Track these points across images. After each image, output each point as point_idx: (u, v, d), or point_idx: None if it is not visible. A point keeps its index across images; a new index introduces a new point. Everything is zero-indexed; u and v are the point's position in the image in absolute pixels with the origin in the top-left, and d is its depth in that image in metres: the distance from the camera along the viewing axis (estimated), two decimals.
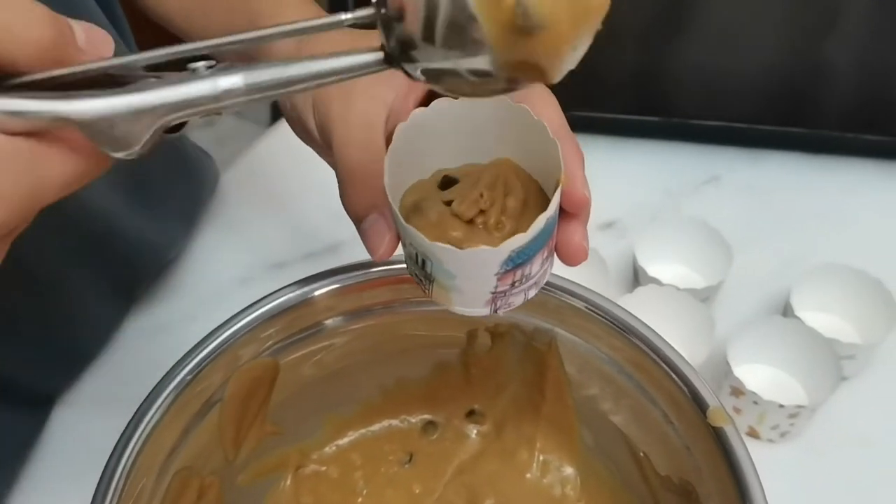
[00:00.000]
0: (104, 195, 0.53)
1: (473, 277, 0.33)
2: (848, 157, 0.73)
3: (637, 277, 0.62)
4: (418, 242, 0.32)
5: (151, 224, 0.59)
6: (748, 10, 0.70)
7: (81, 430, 0.55)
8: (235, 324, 0.41)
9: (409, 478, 0.50)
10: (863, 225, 0.69)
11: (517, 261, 0.32)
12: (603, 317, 0.43)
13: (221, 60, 0.25)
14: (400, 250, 0.35)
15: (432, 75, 0.24)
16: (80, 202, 0.51)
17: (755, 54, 0.72)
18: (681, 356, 0.41)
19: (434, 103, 0.34)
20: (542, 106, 0.35)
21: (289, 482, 0.48)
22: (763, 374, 0.58)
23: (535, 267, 0.33)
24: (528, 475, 0.49)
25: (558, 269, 0.36)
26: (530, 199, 0.35)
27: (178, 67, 0.25)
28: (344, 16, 0.24)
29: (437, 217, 0.34)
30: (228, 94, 0.24)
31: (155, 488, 0.39)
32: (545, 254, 0.34)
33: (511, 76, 0.23)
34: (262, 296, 0.43)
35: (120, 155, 0.24)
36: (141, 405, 0.39)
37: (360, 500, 0.49)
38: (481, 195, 0.34)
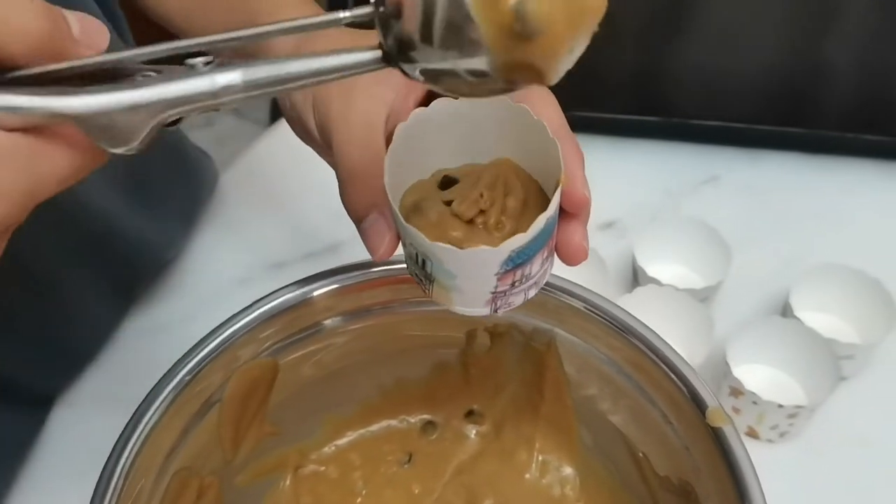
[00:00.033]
0: (103, 195, 0.53)
1: (474, 277, 0.33)
2: (847, 157, 0.73)
3: (636, 277, 0.62)
4: (418, 242, 0.32)
5: (151, 224, 0.59)
6: (748, 10, 0.70)
7: (80, 430, 0.55)
8: (234, 324, 0.41)
9: (408, 478, 0.50)
10: (862, 225, 0.69)
11: (517, 261, 0.32)
12: (602, 317, 0.43)
13: (219, 58, 0.25)
14: (400, 250, 0.35)
15: (430, 75, 0.24)
16: (80, 202, 0.51)
17: (755, 54, 0.72)
18: (680, 356, 0.41)
19: (434, 103, 0.34)
20: (541, 106, 0.35)
21: (288, 482, 0.48)
22: (762, 375, 0.58)
23: (535, 267, 0.33)
24: (527, 475, 0.49)
25: (557, 269, 0.36)
26: (530, 199, 0.35)
27: (176, 63, 0.25)
28: (342, 14, 0.24)
29: (437, 217, 0.34)
30: (226, 90, 0.24)
31: (154, 488, 0.39)
32: (545, 254, 0.34)
33: (509, 77, 0.23)
34: (261, 296, 0.43)
35: (117, 150, 0.24)
36: (140, 405, 0.39)
37: (359, 500, 0.49)
38: (481, 195, 0.34)
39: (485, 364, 0.48)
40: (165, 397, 0.39)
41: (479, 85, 0.23)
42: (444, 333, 0.47)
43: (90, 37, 0.24)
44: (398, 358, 0.48)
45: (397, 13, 0.23)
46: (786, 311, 0.59)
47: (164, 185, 0.61)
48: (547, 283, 0.36)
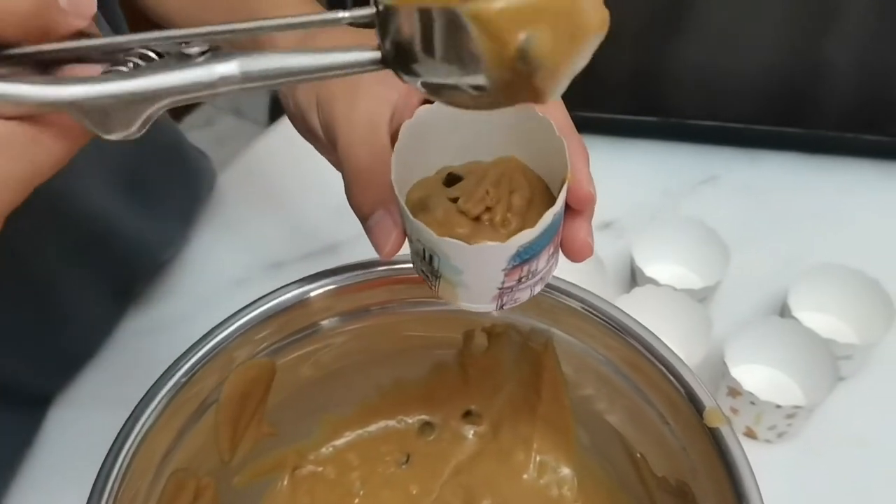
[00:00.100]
0: (102, 195, 0.53)
1: (481, 273, 0.33)
2: (846, 157, 0.73)
3: (634, 278, 0.62)
4: (426, 238, 0.32)
5: (149, 224, 0.59)
6: (747, 11, 0.70)
7: (78, 430, 0.55)
8: (231, 325, 0.41)
9: (406, 478, 0.50)
10: (860, 225, 0.69)
11: (524, 256, 0.32)
12: (599, 317, 0.43)
13: (217, 49, 0.25)
14: (405, 248, 0.36)
15: (432, 88, 0.24)
16: (78, 202, 0.51)
17: (754, 54, 0.72)
18: (677, 357, 0.41)
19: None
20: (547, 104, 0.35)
21: (285, 483, 0.48)
22: (760, 375, 0.58)
23: (541, 263, 0.34)
24: (525, 476, 0.49)
25: (555, 269, 0.36)
26: (535, 196, 0.35)
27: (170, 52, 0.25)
28: (342, 14, 0.24)
29: (443, 214, 0.34)
30: (224, 80, 0.24)
31: (150, 489, 0.39)
32: (551, 250, 0.34)
33: (507, 96, 0.23)
34: (259, 296, 0.43)
35: (113, 137, 0.24)
36: (136, 406, 0.39)
37: (356, 500, 0.49)
38: (487, 192, 0.34)
39: (482, 364, 0.48)
40: (162, 398, 0.39)
41: (480, 98, 0.23)
42: (441, 334, 0.47)
43: (77, 6, 0.24)
44: (396, 358, 0.48)
45: (399, 34, 0.23)
46: (784, 311, 0.59)
47: (162, 186, 0.61)
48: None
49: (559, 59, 0.23)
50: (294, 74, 0.25)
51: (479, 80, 0.23)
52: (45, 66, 0.25)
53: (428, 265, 0.33)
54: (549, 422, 0.48)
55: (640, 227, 0.65)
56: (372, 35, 0.24)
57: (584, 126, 0.36)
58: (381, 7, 0.23)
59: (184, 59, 0.24)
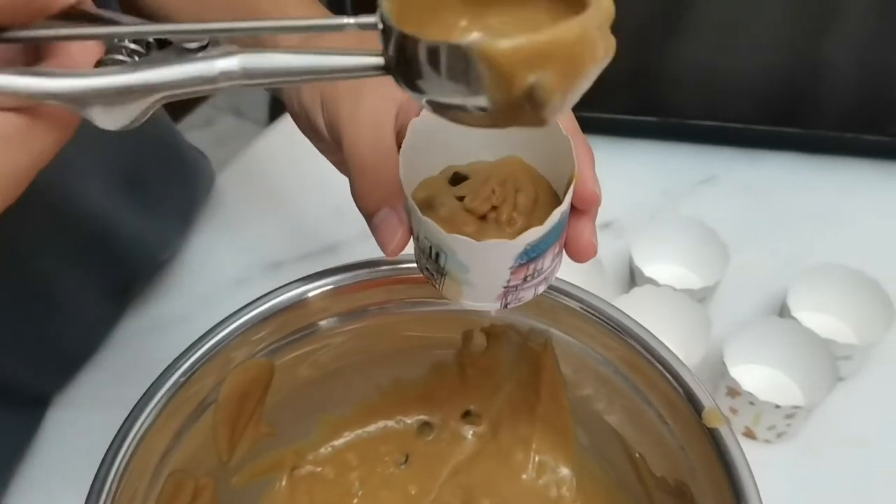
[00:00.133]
0: (100, 196, 0.53)
1: (488, 270, 0.33)
2: (845, 157, 0.73)
3: (633, 278, 0.62)
4: (434, 235, 0.32)
5: (148, 224, 0.59)
6: (747, 11, 0.70)
7: (77, 430, 0.55)
8: (230, 325, 0.41)
9: (405, 479, 0.50)
10: (860, 225, 0.69)
11: (531, 254, 0.32)
12: (598, 317, 0.43)
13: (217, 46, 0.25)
14: (407, 247, 0.36)
15: (437, 106, 0.24)
16: (77, 203, 0.51)
17: (753, 54, 0.72)
18: (676, 357, 0.41)
19: None
20: None
21: (284, 483, 0.48)
22: (759, 375, 0.57)
23: (546, 262, 0.34)
24: (524, 476, 0.49)
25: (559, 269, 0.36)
26: (540, 196, 0.35)
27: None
28: (347, 20, 0.24)
29: (449, 212, 0.34)
30: (225, 76, 0.24)
31: (149, 490, 0.39)
32: (556, 249, 0.34)
33: (510, 122, 0.24)
34: (258, 296, 0.43)
35: (110, 128, 0.24)
36: (134, 407, 0.39)
37: (355, 500, 0.49)
38: (493, 191, 0.34)
39: (481, 364, 0.48)
40: (161, 398, 0.39)
41: (483, 118, 0.24)
42: (440, 334, 0.47)
43: None
44: (395, 358, 0.48)
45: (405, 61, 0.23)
46: (783, 311, 0.59)
47: (160, 186, 0.61)
48: None
49: (565, 94, 0.23)
50: (295, 74, 0.25)
51: (483, 102, 0.23)
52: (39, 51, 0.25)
53: (434, 263, 0.34)
54: (548, 422, 0.48)
55: (639, 227, 0.65)
56: (376, 38, 0.24)
57: (584, 126, 0.36)
58: (388, 31, 0.23)
59: (184, 53, 0.24)
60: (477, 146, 0.36)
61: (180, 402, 0.40)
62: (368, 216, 0.36)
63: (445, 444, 0.50)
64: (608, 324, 0.42)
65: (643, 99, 0.74)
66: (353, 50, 0.24)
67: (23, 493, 0.53)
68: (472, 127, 0.24)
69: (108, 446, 0.38)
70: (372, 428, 0.51)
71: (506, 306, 0.35)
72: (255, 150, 0.74)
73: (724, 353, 0.54)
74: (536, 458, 0.49)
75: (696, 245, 0.62)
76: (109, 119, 0.24)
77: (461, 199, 0.35)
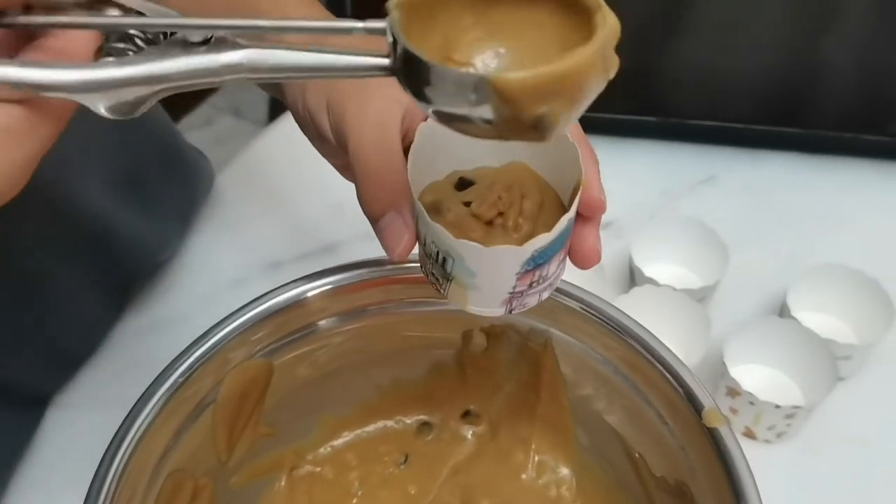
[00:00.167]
0: (100, 196, 0.53)
1: (494, 276, 0.33)
2: (845, 157, 0.73)
3: (633, 277, 0.62)
4: (441, 240, 0.32)
5: (147, 224, 0.59)
6: (747, 11, 0.70)
7: (76, 430, 0.55)
8: (229, 325, 0.41)
9: (405, 479, 0.49)
10: (860, 225, 0.69)
11: (538, 261, 0.33)
12: (598, 317, 0.43)
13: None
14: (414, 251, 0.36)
15: (443, 117, 0.24)
16: (76, 203, 0.51)
17: (753, 54, 0.72)
18: (676, 357, 0.41)
19: None
20: None
21: (283, 483, 0.48)
22: (759, 375, 0.57)
23: (552, 268, 0.34)
24: (524, 476, 0.49)
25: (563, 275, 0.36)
26: (545, 201, 0.35)
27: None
28: (356, 24, 0.24)
29: (455, 217, 0.35)
30: (229, 69, 0.24)
31: (148, 490, 0.39)
32: (562, 255, 0.34)
33: (514, 137, 0.24)
34: (256, 296, 0.43)
35: (112, 117, 0.25)
36: (133, 407, 0.39)
37: (354, 500, 0.49)
38: (500, 197, 0.35)
39: (481, 364, 0.48)
40: (160, 398, 0.39)
41: (489, 131, 0.24)
42: (440, 334, 0.47)
43: None
44: (394, 358, 0.48)
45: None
46: (783, 311, 0.59)
47: (160, 186, 0.61)
48: None
49: (571, 117, 0.24)
50: (299, 71, 0.25)
51: (489, 115, 0.23)
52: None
53: (440, 268, 0.34)
54: (547, 422, 0.48)
55: (639, 227, 0.65)
56: (382, 39, 0.24)
57: (585, 126, 0.36)
58: (397, 44, 0.23)
59: (188, 47, 0.24)
60: (483, 151, 0.36)
61: (179, 401, 0.40)
62: (374, 220, 0.36)
63: (445, 444, 0.50)
64: (608, 324, 0.42)
65: (643, 99, 0.74)
66: (358, 49, 0.24)
67: (22, 493, 0.52)
68: (477, 138, 0.25)
69: (107, 446, 0.38)
70: (371, 428, 0.50)
71: (510, 312, 0.35)
72: (255, 150, 0.74)
73: (724, 353, 0.54)
74: (536, 458, 0.49)
75: (695, 245, 0.62)
76: (112, 109, 0.24)
77: (467, 204, 0.35)
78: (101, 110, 0.24)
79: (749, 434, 0.55)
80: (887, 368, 0.59)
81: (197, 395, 0.41)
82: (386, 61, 0.24)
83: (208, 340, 0.41)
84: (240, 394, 0.43)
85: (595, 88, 0.24)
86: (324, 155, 0.41)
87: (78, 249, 0.53)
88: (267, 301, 0.42)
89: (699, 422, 0.39)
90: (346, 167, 0.38)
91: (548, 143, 0.33)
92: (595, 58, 0.23)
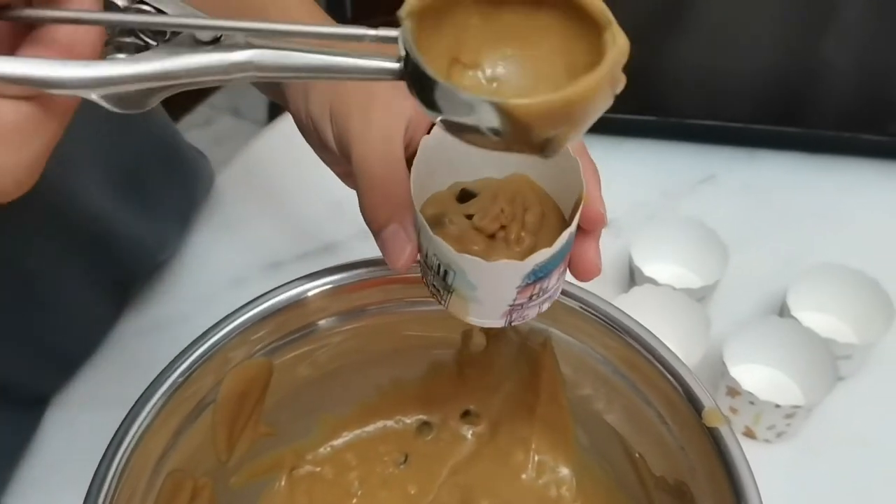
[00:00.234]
0: (100, 196, 0.53)
1: (495, 289, 0.33)
2: (845, 156, 0.73)
3: (633, 277, 0.62)
4: (443, 253, 0.32)
5: (146, 224, 0.59)
6: (746, 10, 0.70)
7: (76, 430, 0.55)
8: (229, 324, 0.41)
9: (404, 478, 0.49)
10: (860, 225, 0.69)
11: (539, 274, 0.33)
12: (598, 317, 0.43)
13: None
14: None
15: (451, 127, 0.24)
16: (76, 203, 0.51)
17: (753, 54, 0.72)
18: (675, 356, 0.41)
19: None
20: None
21: (283, 483, 0.48)
22: (759, 375, 0.57)
23: (552, 281, 0.34)
24: (524, 476, 0.49)
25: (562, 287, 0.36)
26: (547, 214, 0.36)
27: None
28: (368, 31, 0.24)
29: (458, 230, 0.35)
30: (237, 67, 0.24)
31: (147, 490, 0.39)
32: (562, 269, 0.35)
33: (521, 150, 0.24)
34: (256, 296, 0.43)
35: (118, 111, 0.25)
36: (132, 407, 0.39)
37: (354, 500, 0.49)
38: (502, 210, 0.35)
39: (481, 364, 0.48)
40: (159, 398, 0.39)
41: (498, 143, 0.24)
42: (440, 333, 0.47)
43: None
44: (394, 358, 0.48)
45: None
46: (783, 310, 0.59)
47: (160, 186, 0.61)
48: None
49: (578, 138, 0.24)
50: (307, 71, 0.25)
51: (498, 129, 0.23)
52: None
53: (441, 280, 0.34)
54: (547, 422, 0.48)
55: (638, 227, 0.65)
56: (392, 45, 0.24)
57: None
58: (409, 61, 0.23)
59: (196, 45, 0.25)
60: (485, 163, 0.37)
61: (179, 401, 0.40)
62: (376, 231, 0.36)
63: (445, 444, 0.50)
64: (608, 323, 0.42)
65: (643, 98, 0.74)
66: (367, 53, 0.24)
67: (22, 493, 0.52)
68: (485, 149, 0.25)
69: (106, 446, 0.38)
70: (371, 428, 0.50)
71: (510, 323, 0.36)
72: (254, 150, 0.74)
73: (723, 353, 0.54)
74: (536, 458, 0.49)
75: (695, 244, 0.62)
76: (120, 105, 0.24)
77: (470, 216, 0.36)
78: (110, 105, 0.24)
79: (749, 434, 0.55)
80: (887, 368, 0.59)
81: (197, 394, 0.41)
82: (395, 65, 0.24)
83: (208, 340, 0.41)
84: (240, 393, 0.43)
85: (603, 107, 0.24)
86: (326, 163, 0.41)
87: (78, 249, 0.53)
88: (267, 301, 0.42)
89: (699, 421, 0.39)
90: (348, 175, 0.38)
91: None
92: (605, 82, 0.23)
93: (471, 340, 0.47)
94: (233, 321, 0.41)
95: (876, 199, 0.71)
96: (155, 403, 0.39)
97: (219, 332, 0.41)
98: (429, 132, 0.35)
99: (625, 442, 0.45)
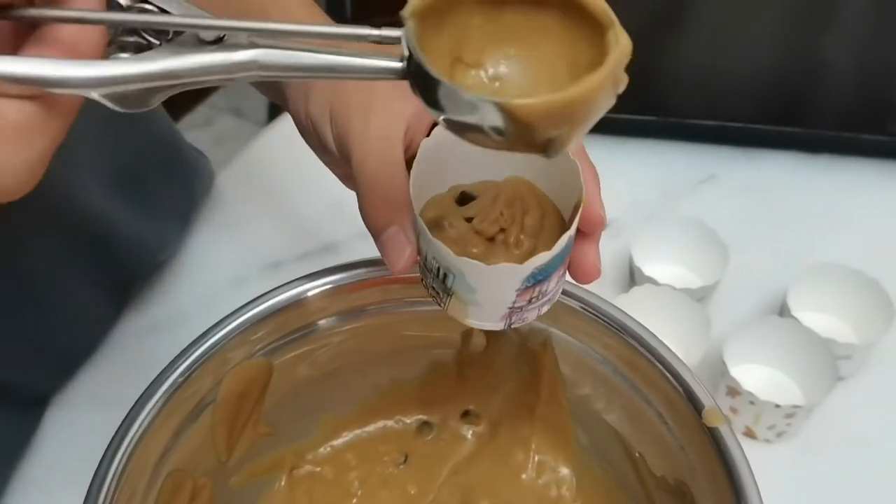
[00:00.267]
0: (100, 196, 0.53)
1: (494, 293, 0.34)
2: (845, 156, 0.73)
3: (633, 277, 0.62)
4: (443, 256, 0.32)
5: (147, 224, 0.59)
6: (746, 10, 0.70)
7: (76, 430, 0.55)
8: (228, 324, 0.41)
9: (404, 478, 0.49)
10: (860, 224, 0.69)
11: (538, 277, 0.33)
12: (598, 316, 0.43)
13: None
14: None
15: (454, 125, 0.24)
16: (76, 203, 0.51)
17: (753, 54, 0.72)
18: (676, 356, 0.41)
19: None
20: None
21: (283, 483, 0.48)
22: (759, 374, 0.57)
23: (551, 284, 0.34)
24: (524, 476, 0.49)
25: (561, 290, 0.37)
26: (546, 217, 0.36)
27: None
28: (371, 31, 0.24)
29: (457, 233, 0.35)
30: (240, 66, 0.25)
31: (147, 490, 0.39)
32: (561, 272, 0.35)
33: (523, 150, 0.25)
34: (256, 296, 0.43)
35: (120, 110, 0.25)
36: (132, 407, 0.39)
37: (354, 500, 0.49)
38: (501, 213, 0.35)
39: (481, 364, 0.48)
40: (159, 398, 0.39)
41: (501, 143, 0.24)
42: (439, 333, 0.47)
43: None
44: (394, 358, 0.48)
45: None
46: (783, 310, 0.59)
47: (160, 186, 0.61)
48: None
49: (580, 137, 0.24)
50: (311, 70, 0.25)
51: (501, 129, 0.23)
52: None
53: (441, 283, 0.34)
54: (547, 421, 0.48)
55: (638, 227, 0.65)
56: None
57: None
58: (412, 60, 0.23)
59: (199, 44, 0.25)
60: (484, 166, 0.37)
61: (179, 401, 0.40)
62: (376, 233, 0.36)
63: (445, 444, 0.50)
64: (608, 323, 0.42)
65: (643, 98, 0.74)
66: (369, 52, 0.24)
67: (22, 493, 0.52)
68: (487, 148, 0.25)
69: (106, 446, 0.38)
70: (371, 428, 0.50)
71: (510, 326, 0.36)
72: (254, 150, 0.74)
73: (723, 353, 0.54)
74: (536, 458, 0.49)
75: (695, 244, 0.62)
76: (122, 104, 0.24)
77: (469, 219, 0.36)
78: (112, 104, 0.24)
79: (749, 434, 0.55)
80: (887, 368, 0.59)
81: (196, 394, 0.41)
82: (398, 65, 0.24)
83: (208, 340, 0.41)
84: (239, 393, 0.43)
85: (605, 107, 0.24)
86: (326, 164, 0.41)
87: (78, 249, 0.53)
88: (267, 301, 0.42)
89: (699, 421, 0.39)
90: (347, 176, 0.38)
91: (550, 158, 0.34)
92: (607, 82, 0.23)
93: (471, 340, 0.47)
94: (233, 321, 0.41)
95: (876, 199, 0.71)
96: (155, 403, 0.39)
97: (219, 332, 0.41)
98: (428, 134, 0.35)
99: (625, 442, 0.45)
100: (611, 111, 0.25)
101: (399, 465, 0.50)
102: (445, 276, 0.33)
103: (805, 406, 0.52)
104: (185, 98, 1.54)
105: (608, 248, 0.63)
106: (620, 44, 0.24)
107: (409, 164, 0.35)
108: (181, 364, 0.40)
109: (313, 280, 0.43)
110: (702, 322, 0.56)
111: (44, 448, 0.55)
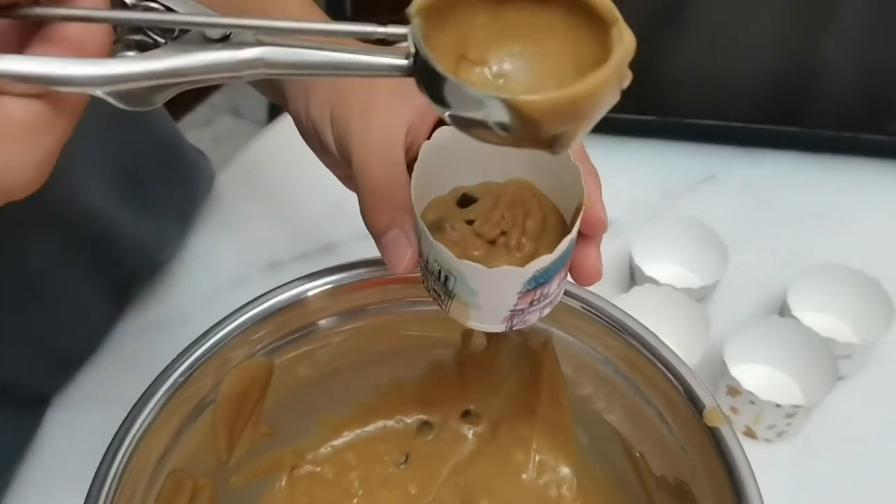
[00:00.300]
0: (100, 196, 0.53)
1: (496, 295, 0.34)
2: (845, 156, 0.73)
3: (633, 277, 0.62)
4: (444, 259, 0.32)
5: (147, 224, 0.59)
6: (746, 10, 0.70)
7: (76, 430, 0.55)
8: (229, 324, 0.41)
9: (405, 478, 0.49)
10: (860, 224, 0.69)
11: (539, 280, 0.33)
12: (598, 316, 0.43)
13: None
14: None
15: (459, 122, 0.24)
16: (76, 203, 0.51)
17: (753, 53, 0.72)
18: (676, 356, 0.41)
19: None
20: None
21: (283, 483, 0.48)
22: (760, 374, 0.57)
23: (553, 287, 0.34)
24: (524, 476, 0.49)
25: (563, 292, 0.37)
26: (548, 220, 0.36)
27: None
28: (376, 28, 0.24)
29: (459, 236, 0.35)
30: (246, 64, 0.24)
31: (148, 490, 0.39)
32: (563, 274, 0.35)
33: (529, 146, 0.25)
34: (256, 296, 0.43)
35: (125, 108, 0.25)
36: (133, 407, 0.39)
37: (354, 500, 0.49)
38: (503, 216, 0.35)
39: (481, 364, 0.48)
40: (159, 398, 0.39)
41: (506, 139, 0.24)
42: (440, 333, 0.47)
43: None
44: (394, 358, 0.48)
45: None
46: (783, 310, 0.59)
47: (160, 186, 0.61)
48: None
49: (585, 133, 0.24)
50: (317, 68, 0.25)
51: (507, 124, 0.23)
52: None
53: (442, 285, 0.34)
54: (548, 421, 0.48)
55: (639, 226, 0.65)
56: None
57: None
58: (418, 58, 0.24)
59: (205, 43, 0.25)
60: (486, 168, 0.37)
61: (179, 401, 0.40)
62: (377, 236, 0.36)
63: (445, 444, 0.50)
64: (608, 323, 0.42)
65: (643, 98, 0.74)
66: (375, 49, 0.24)
67: (23, 493, 0.52)
68: (492, 144, 0.25)
69: (107, 446, 0.38)
70: (371, 428, 0.50)
71: (511, 328, 0.36)
72: (254, 150, 0.74)
73: (724, 353, 0.54)
74: (536, 458, 0.49)
75: (695, 244, 0.62)
76: (127, 102, 0.24)
77: (470, 222, 0.36)
78: (117, 102, 0.24)
79: (749, 433, 0.55)
80: (887, 368, 0.59)
81: (197, 394, 0.41)
82: (403, 62, 0.24)
83: (208, 340, 0.41)
84: (240, 393, 0.43)
85: (609, 103, 0.24)
86: (326, 165, 0.41)
87: (78, 250, 0.53)
88: (267, 301, 0.42)
89: (700, 421, 0.39)
90: (348, 178, 0.38)
91: (551, 159, 0.33)
92: (612, 78, 0.23)
93: (471, 340, 0.47)
94: (233, 321, 0.41)
95: (876, 199, 0.71)
96: (155, 403, 0.39)
97: (219, 332, 0.41)
98: (429, 136, 0.35)
99: (625, 441, 0.45)
100: (611, 111, 0.25)
101: (399, 464, 0.50)
102: (447, 278, 0.33)
103: (805, 406, 0.52)
104: (185, 98, 1.54)
105: (608, 248, 0.63)
106: (624, 40, 0.24)
107: (410, 166, 0.35)
108: (182, 364, 0.40)
109: (313, 280, 0.43)
110: (702, 322, 0.56)
111: (44, 448, 0.55)
